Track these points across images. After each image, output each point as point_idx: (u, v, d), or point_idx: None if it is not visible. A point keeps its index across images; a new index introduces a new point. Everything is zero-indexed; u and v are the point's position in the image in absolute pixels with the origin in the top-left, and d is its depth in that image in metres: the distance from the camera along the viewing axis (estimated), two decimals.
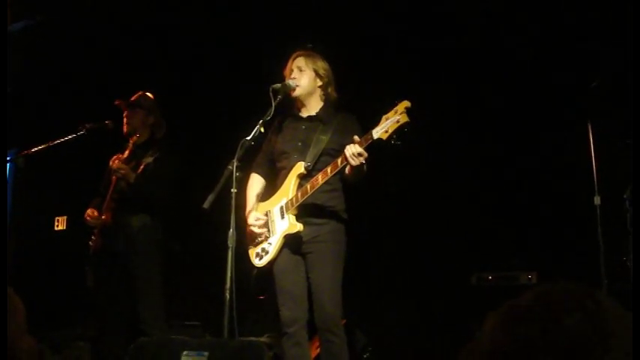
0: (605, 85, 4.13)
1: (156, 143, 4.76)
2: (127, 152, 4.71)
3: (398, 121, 3.37)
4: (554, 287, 1.14)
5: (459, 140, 5.28)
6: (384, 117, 3.44)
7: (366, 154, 3.45)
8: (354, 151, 3.44)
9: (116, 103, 4.75)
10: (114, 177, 4.61)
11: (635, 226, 4.02)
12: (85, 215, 4.64)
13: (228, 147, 3.76)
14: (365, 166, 3.57)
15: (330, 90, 3.98)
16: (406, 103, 3.39)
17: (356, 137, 3.48)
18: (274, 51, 4.39)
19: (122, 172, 4.56)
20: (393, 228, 5.35)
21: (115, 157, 4.78)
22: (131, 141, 4.69)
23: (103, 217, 4.58)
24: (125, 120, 4.73)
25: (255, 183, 4.05)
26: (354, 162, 3.45)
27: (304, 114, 3.98)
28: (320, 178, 3.60)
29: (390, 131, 3.38)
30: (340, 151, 3.56)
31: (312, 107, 3.97)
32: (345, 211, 3.85)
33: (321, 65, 3.95)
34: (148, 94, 4.85)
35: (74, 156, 5.59)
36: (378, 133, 3.43)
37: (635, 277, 3.99)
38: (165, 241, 4.68)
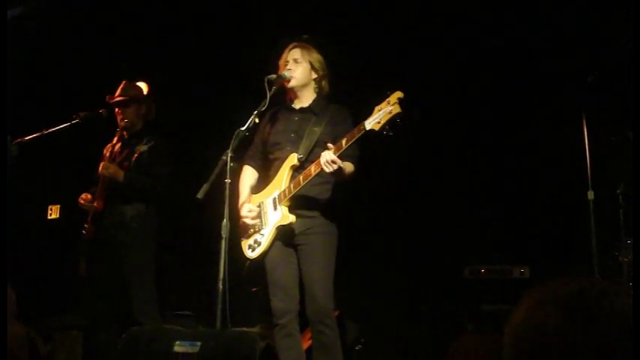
0: (599, 80, 4.13)
1: (150, 130, 4.75)
2: (115, 139, 4.70)
3: (390, 112, 3.37)
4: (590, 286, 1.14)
5: (452, 134, 5.28)
6: (376, 108, 3.45)
7: (339, 162, 3.48)
8: (327, 158, 3.47)
9: (107, 100, 4.72)
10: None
11: (635, 224, 4.03)
12: (79, 198, 4.63)
13: (223, 137, 3.75)
14: (346, 170, 3.60)
15: (324, 83, 3.99)
16: (399, 94, 3.40)
17: (329, 145, 3.51)
18: (269, 41, 4.38)
19: (110, 171, 4.53)
20: (386, 220, 5.35)
21: (108, 145, 4.77)
22: (119, 128, 4.68)
23: (95, 204, 4.57)
24: (119, 116, 4.71)
25: (248, 175, 4.05)
26: (328, 169, 3.48)
27: (297, 106, 3.98)
28: (313, 170, 3.60)
29: (382, 122, 3.39)
30: (332, 143, 3.56)
31: (305, 99, 3.97)
32: (337, 204, 3.85)
33: (317, 58, 3.96)
34: (136, 83, 4.82)
35: (68, 144, 5.56)
36: (370, 124, 3.43)
37: (635, 275, 4.00)
38: (160, 230, 4.67)
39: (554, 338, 1.08)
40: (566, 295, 1.13)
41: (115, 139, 4.72)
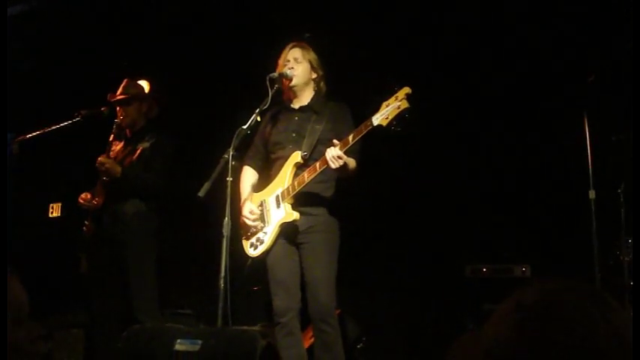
0: (601, 80, 4.13)
1: (153, 126, 4.75)
2: (112, 136, 4.70)
3: (398, 107, 3.38)
4: (560, 287, 1.14)
5: (454, 132, 5.27)
6: (384, 103, 3.45)
7: (345, 158, 3.49)
8: (333, 154, 3.48)
9: (109, 98, 4.72)
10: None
11: (635, 224, 4.03)
12: (79, 198, 4.63)
13: (224, 135, 3.75)
14: (350, 166, 3.60)
15: (322, 83, 4.01)
16: (407, 90, 3.40)
17: (335, 141, 3.52)
18: (271, 39, 4.38)
19: (106, 166, 4.52)
20: (387, 219, 5.35)
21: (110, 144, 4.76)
22: (115, 125, 4.68)
23: (95, 201, 4.57)
24: (120, 114, 4.70)
25: (249, 175, 4.05)
26: (334, 165, 3.49)
27: (296, 105, 3.99)
28: (318, 167, 3.61)
29: (390, 117, 3.39)
30: (335, 139, 3.57)
31: (305, 98, 3.98)
32: (339, 202, 3.85)
33: (315, 57, 3.98)
34: (138, 82, 4.82)
35: (69, 142, 5.56)
36: (378, 119, 3.44)
37: (635, 274, 4.00)
38: (160, 228, 4.67)
39: (515, 349, 1.09)
40: (523, 304, 1.13)
41: (112, 136, 4.71)
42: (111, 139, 4.72)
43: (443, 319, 4.90)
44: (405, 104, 3.37)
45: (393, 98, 3.42)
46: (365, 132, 3.48)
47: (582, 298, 1.11)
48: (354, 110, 3.92)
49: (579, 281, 1.15)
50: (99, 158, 4.56)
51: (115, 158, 4.64)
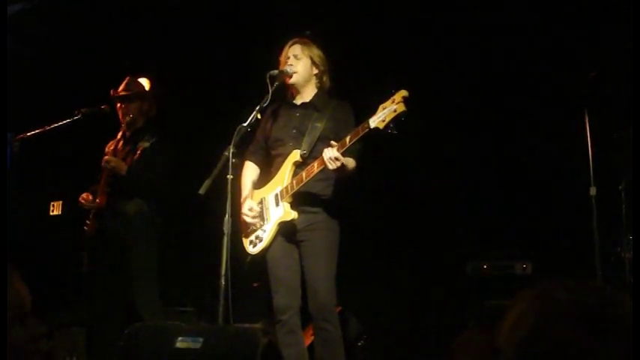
0: (602, 76, 4.12)
1: (152, 126, 4.75)
2: (119, 135, 4.70)
3: (395, 111, 3.38)
4: (585, 287, 1.14)
5: (454, 129, 5.27)
6: (380, 106, 3.45)
7: (342, 159, 3.48)
8: (330, 155, 3.47)
9: (111, 94, 4.71)
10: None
11: (635, 220, 4.02)
12: (80, 198, 4.63)
13: (224, 133, 3.75)
14: (349, 166, 3.60)
15: (325, 78, 3.99)
16: (403, 93, 3.40)
17: (332, 142, 3.52)
18: (271, 37, 4.37)
19: (112, 164, 4.53)
20: (388, 216, 5.35)
21: (111, 142, 4.76)
22: (123, 124, 4.68)
23: (97, 200, 4.57)
24: (121, 111, 4.70)
25: (250, 171, 4.05)
26: (331, 166, 3.49)
27: (298, 101, 3.98)
28: (316, 167, 3.60)
29: (387, 120, 3.39)
30: (335, 138, 3.57)
31: (307, 94, 3.97)
32: (339, 200, 3.85)
33: (317, 53, 3.96)
34: (139, 80, 4.81)
35: (70, 140, 5.56)
36: (375, 122, 3.43)
37: (635, 271, 4.00)
38: (162, 226, 4.67)
39: (568, 351, 1.09)
40: (571, 305, 1.13)
41: (120, 134, 4.73)
42: (118, 137, 4.73)
43: (444, 316, 4.90)
44: (401, 107, 3.37)
45: (390, 101, 3.42)
46: (362, 134, 3.48)
47: (608, 299, 1.12)
48: (354, 110, 3.91)
49: (602, 282, 1.17)
50: (105, 157, 4.57)
51: (115, 156, 4.64)
